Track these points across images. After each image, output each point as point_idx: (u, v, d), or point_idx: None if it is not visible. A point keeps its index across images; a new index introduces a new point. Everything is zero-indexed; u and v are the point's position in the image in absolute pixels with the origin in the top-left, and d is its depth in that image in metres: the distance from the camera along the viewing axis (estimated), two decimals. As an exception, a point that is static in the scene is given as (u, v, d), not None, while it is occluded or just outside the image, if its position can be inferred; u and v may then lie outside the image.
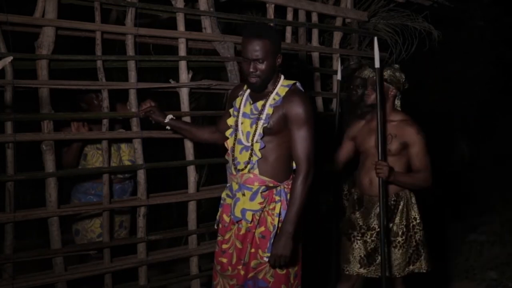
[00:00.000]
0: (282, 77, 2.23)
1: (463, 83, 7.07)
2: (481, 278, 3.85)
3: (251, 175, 2.17)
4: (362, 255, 2.69)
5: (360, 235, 2.71)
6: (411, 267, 2.65)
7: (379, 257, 2.61)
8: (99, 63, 2.54)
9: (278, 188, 2.20)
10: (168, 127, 2.49)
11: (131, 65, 2.63)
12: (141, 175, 2.68)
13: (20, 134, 2.33)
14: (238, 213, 2.18)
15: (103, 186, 2.60)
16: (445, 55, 6.37)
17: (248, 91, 2.24)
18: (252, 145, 2.16)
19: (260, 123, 2.15)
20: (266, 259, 2.16)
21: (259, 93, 2.20)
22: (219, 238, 2.31)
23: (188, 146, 2.83)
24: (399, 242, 2.65)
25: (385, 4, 3.80)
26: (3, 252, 2.34)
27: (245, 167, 2.17)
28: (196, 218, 2.86)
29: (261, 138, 2.16)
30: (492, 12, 6.82)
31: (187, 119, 2.81)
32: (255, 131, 2.16)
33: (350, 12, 3.60)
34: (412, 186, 2.64)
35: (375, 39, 2.51)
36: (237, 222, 2.21)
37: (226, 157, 2.29)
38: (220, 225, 2.32)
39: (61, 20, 2.42)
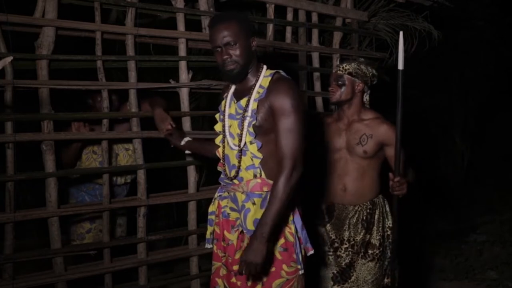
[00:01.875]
0: (265, 67, 2.03)
1: (463, 83, 7.07)
2: (481, 278, 3.85)
3: (259, 180, 1.95)
4: (335, 272, 2.46)
5: (332, 249, 2.48)
6: (386, 280, 2.46)
7: (355, 273, 2.42)
8: (99, 63, 2.54)
9: None
10: (186, 151, 2.43)
11: (131, 65, 2.63)
12: (141, 175, 2.68)
13: (20, 134, 2.33)
14: (251, 225, 1.92)
15: (103, 186, 2.60)
16: (445, 55, 6.37)
17: (232, 90, 2.05)
18: (240, 147, 1.95)
19: (246, 121, 1.93)
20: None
21: (240, 83, 2.01)
22: (227, 259, 2.03)
23: (188, 146, 2.82)
24: (376, 254, 2.44)
25: (385, 4, 3.79)
26: (3, 252, 2.34)
27: (238, 172, 1.97)
28: (196, 218, 2.86)
29: (255, 138, 1.94)
30: (492, 12, 6.81)
31: (187, 119, 2.81)
32: (242, 131, 1.94)
33: (350, 12, 3.60)
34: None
35: (401, 34, 2.10)
36: (250, 236, 1.93)
37: (219, 168, 2.08)
38: (223, 244, 2.06)
39: (61, 20, 2.42)
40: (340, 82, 2.48)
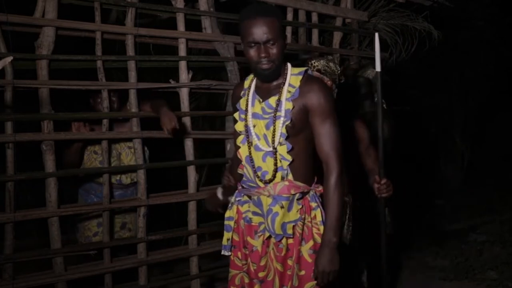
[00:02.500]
0: (289, 64, 1.94)
1: (463, 83, 7.06)
2: (481, 278, 3.84)
3: (286, 183, 1.86)
4: None
5: None
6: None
7: None
8: (99, 63, 2.54)
9: (311, 193, 1.92)
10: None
11: (131, 65, 2.63)
12: (141, 175, 2.68)
13: (20, 134, 2.33)
14: (279, 230, 1.85)
15: (103, 187, 2.60)
16: (445, 55, 6.37)
17: (253, 88, 1.94)
18: (275, 148, 1.85)
19: (280, 121, 1.84)
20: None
21: (270, 83, 1.90)
22: (249, 266, 1.93)
23: (188, 146, 2.83)
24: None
25: (385, 4, 3.79)
26: (3, 252, 2.34)
27: (275, 175, 1.87)
28: (196, 218, 2.86)
29: (286, 139, 1.85)
30: (492, 12, 6.81)
31: (187, 119, 2.81)
32: (275, 131, 1.84)
33: (350, 12, 3.60)
34: None
35: (376, 36, 2.14)
36: (279, 241, 1.88)
37: (240, 170, 1.97)
38: (245, 251, 1.96)
39: (61, 20, 2.42)
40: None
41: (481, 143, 7.48)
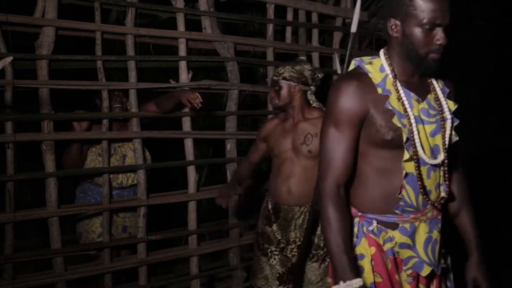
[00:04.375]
0: None
1: (462, 83, 7.06)
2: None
3: (441, 201, 1.57)
4: (281, 272, 2.42)
5: (278, 249, 2.43)
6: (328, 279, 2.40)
7: (304, 273, 2.39)
8: (99, 63, 2.54)
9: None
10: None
11: (131, 65, 2.63)
12: (141, 175, 2.68)
13: (20, 134, 2.33)
14: (439, 261, 1.60)
15: (103, 187, 2.60)
16: (445, 55, 6.36)
17: (398, 85, 1.51)
18: (444, 160, 1.53)
19: (448, 125, 1.53)
20: None
21: (418, 77, 1.56)
22: None
23: (188, 146, 2.83)
24: (321, 255, 2.40)
25: (385, 4, 3.79)
26: (3, 252, 2.34)
27: (439, 194, 1.56)
28: (196, 218, 2.86)
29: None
30: (492, 12, 6.81)
31: (187, 119, 2.81)
32: (445, 138, 1.53)
33: (350, 12, 3.59)
34: None
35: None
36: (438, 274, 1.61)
37: (399, 195, 1.52)
38: None
39: (61, 20, 2.42)
40: (276, 88, 2.43)
41: (481, 143, 7.48)
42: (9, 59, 1.72)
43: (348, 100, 1.48)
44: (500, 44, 6.90)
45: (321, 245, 2.38)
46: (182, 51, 2.79)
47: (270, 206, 2.49)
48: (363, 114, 1.49)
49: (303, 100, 2.45)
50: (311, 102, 2.50)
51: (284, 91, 2.42)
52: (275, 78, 2.44)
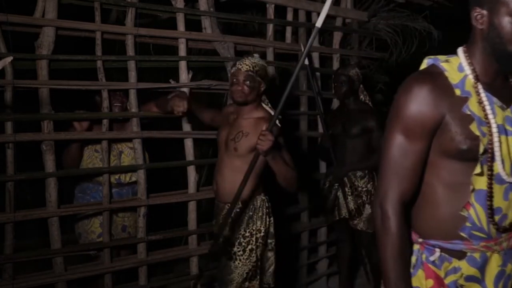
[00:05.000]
0: None
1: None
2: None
3: None
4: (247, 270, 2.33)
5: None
6: (247, 283, 2.31)
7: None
8: (99, 63, 2.54)
9: None
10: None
11: (131, 65, 2.63)
12: (141, 175, 2.68)
13: (20, 134, 2.33)
14: None
15: (103, 186, 2.60)
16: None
17: (480, 87, 1.31)
18: None
19: None
20: None
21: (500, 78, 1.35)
22: None
23: (188, 146, 2.83)
24: (236, 254, 2.31)
25: (385, 4, 3.80)
26: (3, 252, 2.34)
27: None
28: (196, 218, 2.86)
29: None
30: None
31: (187, 119, 2.81)
32: None
33: (350, 12, 3.60)
34: (284, 180, 2.23)
35: None
36: None
37: (463, 212, 1.30)
38: None
39: (61, 20, 2.42)
40: (249, 83, 2.31)
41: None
42: (9, 59, 1.71)
43: (420, 105, 1.26)
44: (500, 44, 6.89)
45: (236, 243, 2.30)
46: (182, 51, 2.79)
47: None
48: (437, 122, 1.27)
49: (260, 99, 2.39)
50: (265, 102, 2.44)
51: (255, 87, 2.33)
52: (250, 73, 2.29)
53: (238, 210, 2.33)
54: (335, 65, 3.57)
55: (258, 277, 2.32)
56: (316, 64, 3.44)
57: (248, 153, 2.25)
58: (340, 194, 3.12)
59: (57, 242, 2.47)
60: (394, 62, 3.90)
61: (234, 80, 2.33)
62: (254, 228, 2.32)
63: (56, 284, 2.47)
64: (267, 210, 2.36)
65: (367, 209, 3.02)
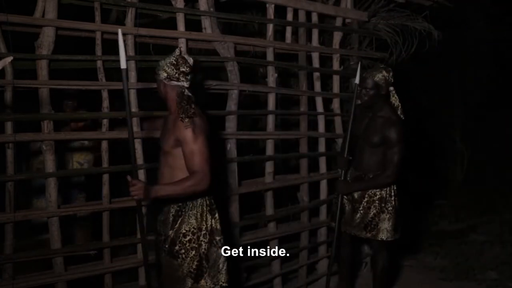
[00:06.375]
0: None
1: (463, 83, 7.06)
2: (481, 278, 3.84)
3: None
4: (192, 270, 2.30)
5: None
6: (195, 285, 2.30)
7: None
8: (99, 63, 2.54)
9: None
10: None
11: (131, 65, 2.63)
12: (141, 175, 2.68)
13: (20, 134, 2.33)
14: None
15: (103, 186, 2.59)
16: (445, 55, 6.37)
17: None
18: None
19: None
20: None
21: None
22: None
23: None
24: (177, 252, 2.29)
25: (385, 4, 3.80)
26: (3, 252, 2.34)
27: None
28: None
29: None
30: (492, 12, 6.82)
31: (187, 119, 2.81)
32: None
33: (350, 12, 3.60)
34: (183, 195, 2.21)
35: None
36: None
37: None
38: None
39: (61, 20, 2.42)
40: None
41: (481, 142, 7.48)
42: (9, 59, 1.72)
43: None
44: (500, 44, 6.90)
45: (176, 241, 2.29)
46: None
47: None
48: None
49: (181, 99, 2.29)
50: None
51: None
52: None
53: (174, 212, 2.30)
54: (335, 65, 3.57)
55: (206, 276, 2.29)
56: (316, 64, 3.44)
57: (172, 149, 2.24)
58: (346, 204, 3.11)
59: (57, 242, 2.46)
60: (394, 62, 3.90)
61: None
62: (192, 227, 2.28)
63: (56, 284, 2.47)
64: (208, 208, 2.32)
65: (383, 220, 2.99)
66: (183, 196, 2.22)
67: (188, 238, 2.28)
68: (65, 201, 2.94)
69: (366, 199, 3.03)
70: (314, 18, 3.39)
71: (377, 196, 3.01)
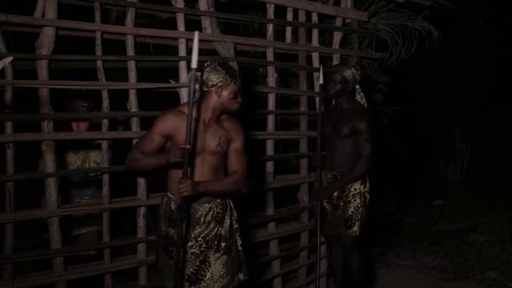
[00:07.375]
0: None
1: (463, 83, 7.07)
2: (481, 278, 3.85)
3: None
4: (190, 272, 2.34)
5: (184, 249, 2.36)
6: (240, 275, 2.43)
7: (210, 270, 2.35)
8: (99, 63, 2.54)
9: None
10: None
11: (131, 65, 2.63)
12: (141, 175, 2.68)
13: (20, 134, 2.33)
14: None
15: (103, 186, 2.60)
16: (445, 55, 6.37)
17: None
18: None
19: None
20: None
21: None
22: None
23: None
24: (228, 247, 2.40)
25: (385, 4, 3.80)
26: (3, 252, 2.34)
27: None
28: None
29: None
30: (492, 12, 6.82)
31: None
32: None
33: (350, 12, 3.60)
34: (230, 192, 2.39)
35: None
36: None
37: None
38: None
39: (61, 20, 2.42)
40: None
41: (481, 143, 7.49)
42: (9, 59, 1.72)
43: None
44: (500, 44, 6.91)
45: (227, 236, 2.38)
46: (182, 51, 2.79)
47: (173, 207, 2.36)
48: None
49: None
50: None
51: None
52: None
53: (220, 206, 2.40)
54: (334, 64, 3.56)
55: (204, 283, 2.33)
56: (316, 64, 3.43)
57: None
58: (326, 206, 3.12)
59: (57, 242, 2.46)
60: (394, 62, 3.91)
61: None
62: (233, 219, 2.44)
63: (56, 284, 2.47)
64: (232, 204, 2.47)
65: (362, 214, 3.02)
66: (225, 192, 2.39)
67: (199, 243, 2.35)
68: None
69: (346, 193, 3.03)
70: (314, 18, 3.39)
71: (357, 191, 3.02)
